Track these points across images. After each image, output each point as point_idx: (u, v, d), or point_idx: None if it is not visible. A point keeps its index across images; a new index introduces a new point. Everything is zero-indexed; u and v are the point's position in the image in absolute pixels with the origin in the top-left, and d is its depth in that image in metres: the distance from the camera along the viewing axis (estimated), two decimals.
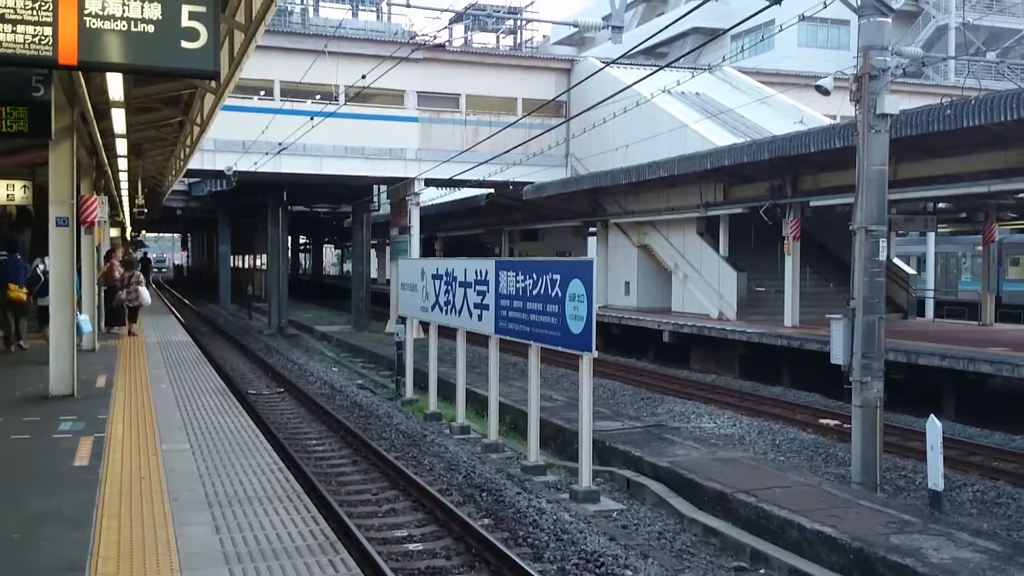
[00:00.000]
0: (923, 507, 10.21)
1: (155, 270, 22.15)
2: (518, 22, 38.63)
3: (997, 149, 16.71)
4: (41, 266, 14.65)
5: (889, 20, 11.41)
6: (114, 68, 6.87)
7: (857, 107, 11.39)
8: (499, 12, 35.05)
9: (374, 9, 38.37)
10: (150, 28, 5.47)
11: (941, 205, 23.88)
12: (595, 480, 11.12)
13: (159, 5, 5.49)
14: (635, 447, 12.15)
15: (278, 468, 7.87)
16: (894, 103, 11.29)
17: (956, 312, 29.25)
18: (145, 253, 36.91)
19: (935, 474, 10.21)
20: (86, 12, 5.41)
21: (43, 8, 5.36)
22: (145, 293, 19.91)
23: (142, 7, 5.47)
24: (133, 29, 5.45)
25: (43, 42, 5.38)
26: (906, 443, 13.75)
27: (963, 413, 15.98)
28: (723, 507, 9.85)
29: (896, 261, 24.78)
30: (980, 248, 25.00)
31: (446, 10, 20.08)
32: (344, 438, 14.04)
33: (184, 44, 5.50)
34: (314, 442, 13.90)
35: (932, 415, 10.61)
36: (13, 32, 5.34)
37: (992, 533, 9.13)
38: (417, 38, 28.53)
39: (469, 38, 39.56)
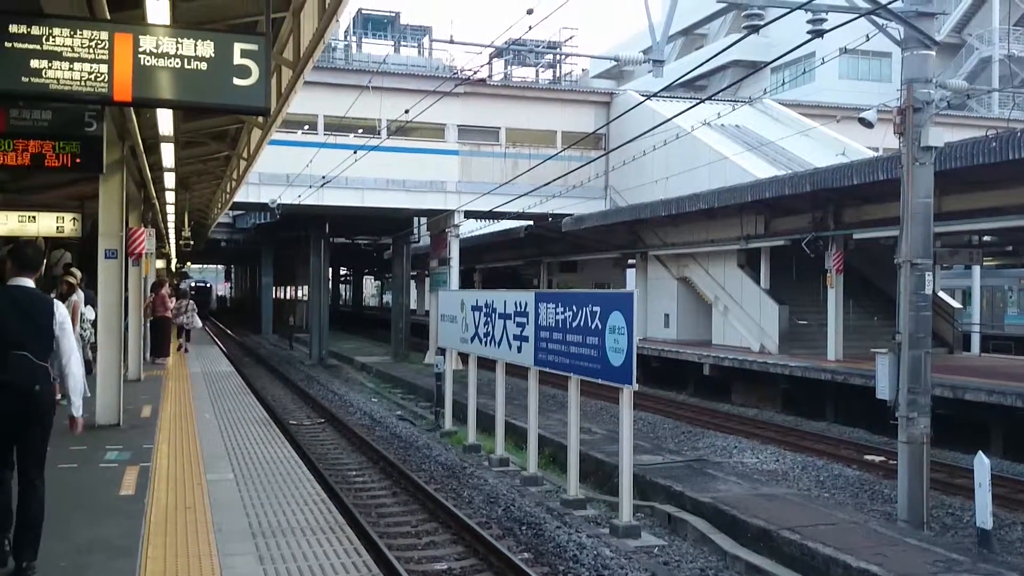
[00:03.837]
0: (971, 546, 10.00)
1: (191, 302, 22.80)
2: (557, 56, 38.92)
3: None
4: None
5: (933, 53, 11.35)
6: (167, 104, 7.01)
7: (901, 140, 11.30)
8: (539, 47, 35.31)
9: (416, 45, 38.90)
10: (203, 65, 5.60)
11: (987, 238, 23.57)
12: (636, 515, 11.03)
13: (212, 43, 5.62)
14: (676, 482, 12.05)
15: (320, 499, 7.90)
16: (938, 135, 11.20)
17: (1002, 347, 28.70)
18: (177, 284, 37.43)
19: (983, 512, 10.01)
20: (141, 50, 5.54)
21: (99, 46, 5.50)
22: (197, 318, 25.74)
23: (195, 45, 5.60)
24: (186, 66, 5.58)
25: (99, 79, 5.51)
26: (953, 480, 13.49)
27: (1011, 450, 15.65)
28: (767, 544, 9.72)
29: (941, 295, 24.41)
30: None
31: (487, 46, 20.27)
32: (384, 469, 14.07)
33: (236, 81, 5.62)
34: (354, 473, 13.95)
35: (980, 452, 10.43)
36: (71, 70, 5.47)
37: None
38: (458, 73, 28.82)
39: (509, 72, 39.94)
